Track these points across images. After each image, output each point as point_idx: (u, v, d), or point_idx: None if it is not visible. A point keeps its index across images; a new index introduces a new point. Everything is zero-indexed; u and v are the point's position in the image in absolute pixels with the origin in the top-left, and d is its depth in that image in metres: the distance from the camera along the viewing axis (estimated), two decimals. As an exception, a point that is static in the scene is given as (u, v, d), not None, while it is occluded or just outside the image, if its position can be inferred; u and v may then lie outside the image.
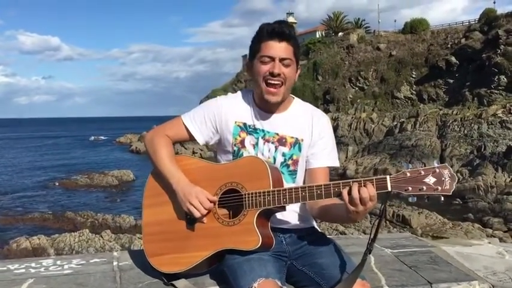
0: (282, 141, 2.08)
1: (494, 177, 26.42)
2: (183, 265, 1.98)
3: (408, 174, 1.69)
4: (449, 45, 37.88)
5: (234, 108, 2.10)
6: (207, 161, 2.08)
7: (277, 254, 2.00)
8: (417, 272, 2.29)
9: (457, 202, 22.15)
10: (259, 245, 1.86)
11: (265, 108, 2.08)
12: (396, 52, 40.06)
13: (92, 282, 2.10)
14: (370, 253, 1.82)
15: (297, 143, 2.08)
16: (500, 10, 38.20)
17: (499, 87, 32.26)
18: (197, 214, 1.92)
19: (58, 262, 2.40)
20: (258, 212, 1.88)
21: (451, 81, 35.76)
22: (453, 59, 36.15)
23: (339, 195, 1.79)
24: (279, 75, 1.97)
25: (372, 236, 1.81)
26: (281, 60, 1.98)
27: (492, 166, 27.77)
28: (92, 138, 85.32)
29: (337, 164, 2.16)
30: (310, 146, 2.10)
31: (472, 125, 31.80)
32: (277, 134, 2.08)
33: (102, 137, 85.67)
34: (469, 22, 40.02)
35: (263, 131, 2.08)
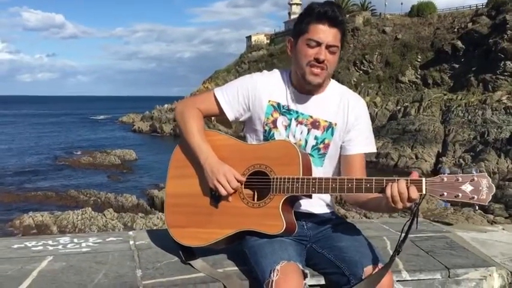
0: (315, 124, 2.03)
1: (497, 163, 26.40)
2: (203, 240, 1.97)
3: (445, 179, 1.65)
4: (455, 30, 37.52)
5: (269, 87, 2.04)
6: (237, 139, 2.04)
7: (298, 238, 1.99)
8: (434, 257, 2.29)
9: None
10: (282, 231, 1.85)
11: (301, 89, 2.03)
12: (402, 35, 39.71)
13: (111, 261, 2.10)
14: (398, 254, 1.79)
15: (330, 127, 2.04)
16: (509, -6, 37.69)
17: (505, 73, 32.02)
18: (223, 192, 1.90)
19: (75, 240, 2.40)
20: (284, 198, 1.86)
21: (457, 66, 35.51)
22: (459, 43, 35.83)
23: (368, 191, 1.77)
24: (323, 61, 1.92)
25: (402, 238, 1.77)
26: (328, 46, 1.91)
27: (495, 152, 27.72)
28: (95, 117, 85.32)
29: (374, 150, 2.12)
30: (344, 131, 2.05)
31: (476, 110, 31.66)
32: (311, 117, 2.03)
33: (105, 116, 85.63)
34: (476, 6, 39.54)
35: (297, 112, 2.03)
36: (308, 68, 1.93)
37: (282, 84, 2.06)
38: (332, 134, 2.04)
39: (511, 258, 2.31)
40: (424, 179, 1.69)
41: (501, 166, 26.01)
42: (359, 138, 2.06)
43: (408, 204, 1.73)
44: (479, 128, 30.50)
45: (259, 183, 1.91)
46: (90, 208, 19.20)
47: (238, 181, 1.91)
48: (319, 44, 1.90)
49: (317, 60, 1.90)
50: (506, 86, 31.76)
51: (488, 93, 32.30)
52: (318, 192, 1.86)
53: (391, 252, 2.33)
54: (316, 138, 2.03)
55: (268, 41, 60.62)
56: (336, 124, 2.04)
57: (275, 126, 2.02)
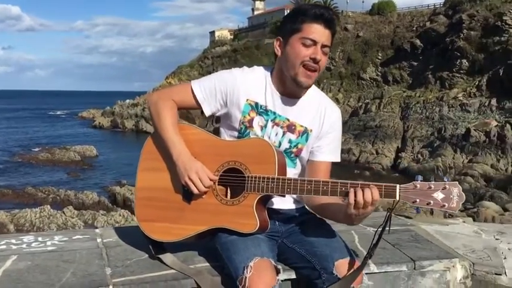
0: (291, 127, 2.01)
1: (453, 158, 27.28)
2: (174, 236, 1.95)
3: (418, 186, 1.69)
4: (414, 28, 38.47)
5: (248, 85, 2.00)
6: (211, 134, 2.01)
7: (270, 234, 1.99)
8: (400, 250, 2.35)
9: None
10: (256, 229, 1.85)
11: (282, 91, 2.00)
12: (363, 33, 40.39)
13: (79, 259, 2.06)
14: (370, 258, 1.83)
15: (305, 133, 2.03)
16: (465, -6, 38.93)
17: (461, 71, 33.08)
18: (195, 191, 1.88)
19: (39, 239, 2.34)
20: (259, 197, 1.86)
21: (415, 63, 36.43)
22: (418, 42, 36.75)
23: (345, 195, 1.77)
24: (319, 61, 1.89)
25: (375, 242, 1.81)
26: (322, 46, 1.90)
27: (451, 148, 28.63)
28: (53, 112, 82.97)
29: (338, 160, 2.12)
30: (317, 138, 2.05)
31: (434, 107, 32.59)
32: (288, 120, 2.01)
33: (64, 111, 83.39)
34: (434, 6, 40.68)
35: (274, 113, 2.00)
36: (301, 69, 1.90)
37: (262, 83, 2.02)
38: (306, 140, 2.04)
39: (472, 250, 2.40)
40: (398, 186, 1.72)
41: (457, 161, 26.90)
42: (329, 147, 2.07)
43: (366, 212, 1.75)
44: (436, 124, 31.41)
45: (233, 180, 1.90)
46: (49, 206, 18.62)
47: (211, 179, 1.90)
48: (315, 43, 1.88)
49: (314, 60, 1.88)
50: (462, 83, 32.82)
51: (445, 91, 33.30)
52: (292, 193, 1.87)
53: (359, 246, 2.39)
54: (290, 141, 2.02)
55: (232, 37, 60.44)
56: (311, 130, 2.04)
57: (251, 126, 2.00)
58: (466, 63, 32.85)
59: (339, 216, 1.88)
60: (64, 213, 18.03)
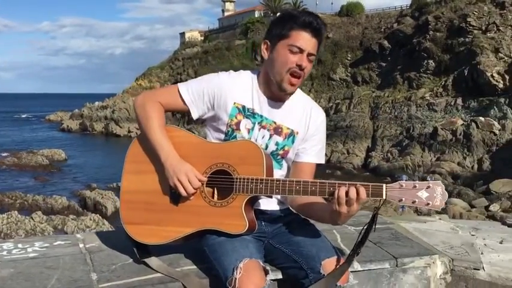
0: (277, 130, 2.04)
1: (422, 156, 27.89)
2: (161, 238, 1.94)
3: (403, 186, 1.74)
4: (382, 30, 39.15)
5: (235, 88, 2.01)
6: (198, 136, 2.02)
7: (257, 235, 2.00)
8: (382, 248, 2.40)
9: (387, 181, 23.21)
10: (245, 230, 1.86)
11: (268, 94, 2.03)
12: (333, 35, 40.85)
13: (62, 265, 2.02)
14: (357, 255, 1.87)
15: (291, 135, 2.06)
16: (431, -3, 39.85)
17: (428, 71, 33.83)
18: (184, 192, 1.88)
19: (19, 245, 2.28)
20: (247, 198, 1.87)
21: (384, 64, 37.07)
22: (386, 43, 37.41)
23: (332, 194, 1.80)
24: (304, 68, 1.93)
25: (360, 239, 1.84)
26: (308, 54, 1.93)
27: (420, 146, 29.26)
28: (19, 115, 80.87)
29: (323, 161, 2.17)
30: (303, 140, 2.08)
31: (402, 107, 33.21)
32: (275, 123, 2.03)
33: (30, 115, 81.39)
34: (401, 7, 41.48)
35: (261, 116, 2.02)
36: (287, 76, 1.93)
37: (248, 86, 2.04)
38: (293, 142, 2.07)
39: (451, 246, 2.47)
40: (384, 185, 1.76)
41: (425, 159, 27.50)
42: (313, 149, 2.11)
43: (352, 210, 1.77)
44: (405, 124, 32.03)
45: (220, 182, 1.91)
46: (16, 211, 18.13)
47: (199, 181, 1.90)
48: (301, 51, 1.91)
49: (299, 67, 1.91)
50: (428, 83, 33.57)
51: (413, 91, 33.99)
52: (281, 194, 1.88)
53: (342, 245, 2.43)
54: (277, 144, 2.05)
55: (203, 38, 60.20)
56: (297, 133, 2.07)
57: (238, 128, 2.01)
58: (433, 63, 33.62)
59: (325, 216, 1.90)
60: (32, 219, 17.60)
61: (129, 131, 50.10)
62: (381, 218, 3.02)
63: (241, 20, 54.54)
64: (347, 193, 1.74)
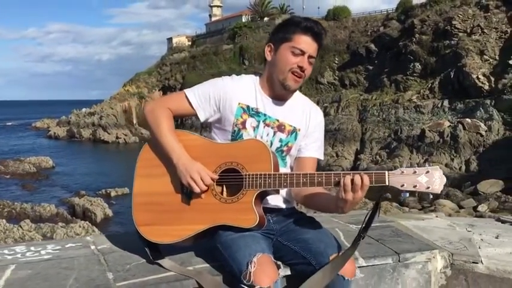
0: (281, 127, 2.15)
1: (410, 158, 28.15)
2: (175, 237, 2.01)
3: (404, 172, 1.83)
4: (369, 33, 39.51)
5: (239, 90, 2.13)
6: (207, 138, 2.11)
7: (266, 232, 2.09)
8: (384, 245, 2.48)
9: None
10: (256, 223, 1.94)
11: (270, 94, 2.15)
12: (320, 38, 41.14)
13: (78, 266, 2.08)
14: (363, 238, 1.94)
15: (294, 132, 2.17)
16: (416, 0, 40.35)
17: (414, 74, 34.20)
18: (197, 189, 1.96)
19: (32, 248, 2.33)
20: (256, 193, 1.95)
21: (371, 67, 37.39)
22: (372, 46, 37.76)
23: (338, 184, 1.88)
24: (305, 70, 2.07)
25: (364, 225, 1.93)
26: (309, 57, 2.07)
27: (408, 148, 29.55)
28: (4, 123, 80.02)
29: (322, 157, 2.28)
30: (304, 137, 2.20)
31: (390, 109, 33.52)
32: (278, 120, 2.15)
33: (16, 122, 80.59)
34: (387, 11, 41.93)
35: (265, 115, 2.13)
36: (290, 74, 2.06)
37: (251, 88, 2.16)
38: (295, 138, 2.18)
39: (449, 241, 2.56)
40: (387, 172, 1.85)
41: (413, 161, 27.74)
42: (314, 144, 2.22)
43: (357, 197, 1.85)
44: (392, 126, 32.33)
45: (229, 180, 1.99)
46: (4, 220, 17.97)
47: (211, 178, 1.98)
48: (303, 53, 2.05)
49: (301, 68, 2.05)
50: (415, 86, 33.92)
51: (400, 93, 34.32)
52: (289, 187, 1.97)
53: (345, 242, 2.50)
54: (281, 140, 2.15)
55: (190, 43, 60.20)
56: (299, 129, 2.18)
57: (244, 127, 2.11)
58: (419, 66, 33.99)
59: (330, 205, 1.98)
60: (21, 227, 17.45)
61: (117, 137, 49.88)
62: (381, 217, 3.12)
63: (228, 25, 54.67)
64: (352, 181, 1.83)
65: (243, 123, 2.12)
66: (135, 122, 52.84)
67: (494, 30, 31.67)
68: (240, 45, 47.00)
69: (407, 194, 1.88)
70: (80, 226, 18.14)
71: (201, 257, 2.16)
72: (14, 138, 56.28)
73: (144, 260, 2.12)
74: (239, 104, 2.12)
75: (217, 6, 67.40)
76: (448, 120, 29.65)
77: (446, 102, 31.16)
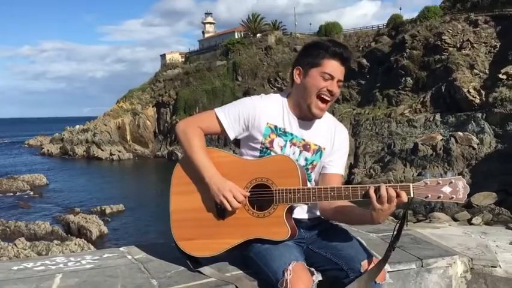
0: (306, 147, 2.24)
1: (403, 172, 28.40)
2: (214, 250, 2.12)
3: (428, 183, 1.93)
4: (360, 48, 40.02)
5: (267, 110, 2.22)
6: (237, 156, 2.23)
7: (297, 241, 2.19)
8: (406, 251, 2.60)
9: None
10: (288, 236, 2.05)
11: (297, 114, 2.24)
12: (312, 54, 41.57)
13: (121, 274, 2.17)
14: (394, 250, 2.03)
15: (319, 151, 2.27)
16: (406, 16, 41.04)
17: (406, 88, 34.64)
18: (229, 208, 2.06)
19: (72, 259, 2.42)
20: (287, 207, 2.06)
21: (363, 82, 37.81)
22: (364, 61, 38.25)
23: (365, 197, 1.98)
24: (335, 93, 2.16)
25: (395, 235, 2.02)
26: (338, 81, 2.17)
27: (401, 162, 29.80)
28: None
29: (343, 173, 2.39)
30: (329, 155, 2.29)
31: (383, 123, 33.84)
32: (304, 140, 2.24)
33: (10, 140, 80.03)
34: (378, 26, 42.53)
35: (292, 134, 2.23)
36: (315, 100, 2.15)
37: (279, 108, 2.25)
38: (320, 157, 2.27)
39: (468, 247, 2.69)
40: (411, 184, 1.95)
41: (407, 174, 28.01)
42: (339, 161, 2.32)
43: (391, 207, 1.96)
44: (386, 140, 32.61)
45: (262, 195, 2.09)
46: (-2, 238, 17.91)
47: (243, 196, 2.09)
48: (332, 78, 2.14)
49: (330, 92, 2.14)
50: (407, 100, 34.33)
51: (392, 108, 34.69)
52: (318, 200, 2.06)
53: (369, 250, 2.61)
54: (306, 159, 2.25)
55: (183, 60, 60.52)
56: (324, 149, 2.27)
57: (272, 146, 2.21)
58: (411, 80, 34.44)
59: (366, 216, 2.06)
60: (16, 245, 17.34)
61: (111, 154, 49.76)
62: (397, 225, 3.24)
63: (221, 41, 55.11)
64: (385, 190, 1.92)
65: (271, 142, 2.22)
66: (128, 138, 52.74)
67: (483, 44, 32.26)
68: (233, 61, 47.36)
69: (433, 204, 1.99)
70: (75, 244, 18.05)
71: (234, 265, 2.25)
72: (8, 156, 55.93)
73: (183, 268, 2.22)
74: (267, 124, 2.22)
75: (210, 23, 67.97)
76: (441, 134, 30.00)
77: (438, 116, 31.53)
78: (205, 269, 2.19)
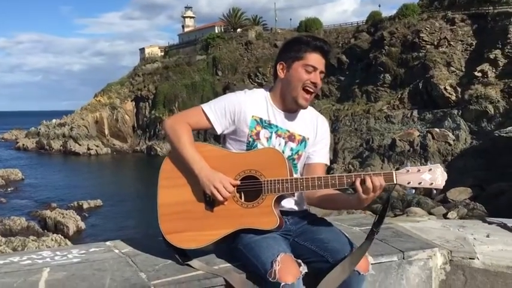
0: (291, 137, 2.33)
1: (381, 167, 28.77)
2: (201, 242, 2.15)
3: (409, 170, 2.05)
4: (340, 45, 40.33)
5: (252, 104, 2.30)
6: (225, 149, 2.28)
7: (284, 233, 2.24)
8: (388, 244, 2.67)
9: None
10: (277, 225, 2.10)
11: (281, 107, 2.32)
12: (292, 50, 41.73)
13: (110, 267, 2.18)
14: (377, 233, 2.14)
15: (303, 141, 2.35)
16: (385, 13, 41.46)
17: (384, 85, 35.09)
18: (220, 198, 2.11)
19: (58, 253, 2.41)
20: (275, 197, 2.11)
21: (343, 78, 38.15)
22: (344, 57, 38.58)
23: (351, 185, 2.08)
24: (318, 85, 2.26)
25: (377, 219, 2.14)
26: (320, 72, 2.26)
27: (379, 157, 30.21)
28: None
29: (328, 163, 2.49)
30: (312, 145, 2.38)
31: (361, 119, 34.23)
32: (288, 131, 2.32)
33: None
34: (357, 23, 42.88)
35: (276, 126, 2.31)
36: (301, 92, 2.24)
37: (263, 101, 2.33)
38: (305, 147, 2.36)
39: (447, 240, 2.77)
40: (394, 172, 2.07)
41: (385, 170, 28.33)
42: (322, 151, 2.42)
43: (375, 195, 2.07)
44: (364, 136, 33.00)
45: (250, 186, 2.14)
46: (-28, 234, 17.58)
47: (233, 186, 2.13)
48: (315, 69, 2.24)
49: (314, 84, 2.24)
50: (386, 96, 34.78)
51: (371, 104, 35.10)
52: (305, 190, 2.14)
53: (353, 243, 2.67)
54: (291, 149, 2.33)
55: (163, 54, 60.05)
56: (308, 138, 2.36)
57: (258, 138, 2.28)
58: (389, 77, 34.89)
59: (352, 202, 2.20)
60: (-10, 241, 17.04)
61: (88, 149, 49.17)
62: (379, 219, 3.31)
63: (201, 35, 54.88)
64: (370, 181, 2.02)
65: (257, 134, 2.29)
66: (107, 133, 52.15)
67: (460, 42, 32.84)
68: (213, 55, 47.24)
69: (413, 191, 2.10)
70: (52, 239, 17.85)
71: (222, 258, 2.29)
72: (-19, 150, 54.71)
73: (171, 261, 2.24)
74: (253, 116, 2.29)
75: (190, 17, 67.57)
76: (418, 130, 30.48)
77: (415, 112, 32.02)
78: (194, 262, 2.21)
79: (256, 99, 2.33)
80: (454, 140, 28.34)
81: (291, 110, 2.33)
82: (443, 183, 2.04)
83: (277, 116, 2.32)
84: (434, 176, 2.02)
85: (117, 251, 2.47)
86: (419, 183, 2.03)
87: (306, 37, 2.33)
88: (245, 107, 2.28)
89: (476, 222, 3.37)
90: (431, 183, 2.03)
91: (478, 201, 21.34)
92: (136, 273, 2.11)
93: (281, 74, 2.30)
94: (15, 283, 1.98)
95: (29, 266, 2.20)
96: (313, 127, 2.39)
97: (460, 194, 22.73)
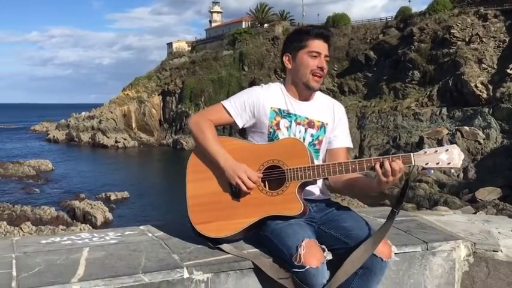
0: (310, 124, 2.44)
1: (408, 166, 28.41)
2: (229, 230, 2.26)
3: (427, 152, 2.11)
4: (368, 40, 39.95)
5: (270, 96, 2.42)
6: (248, 142, 2.40)
7: (308, 220, 2.34)
8: (412, 235, 2.72)
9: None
10: (301, 211, 2.19)
11: (296, 97, 2.44)
12: (319, 45, 41.54)
13: (145, 249, 2.30)
14: (397, 214, 2.21)
15: (322, 126, 2.46)
16: (415, 9, 40.83)
17: (413, 82, 34.58)
18: (244, 188, 2.21)
19: (95, 235, 2.56)
20: (299, 184, 2.21)
21: (370, 74, 37.77)
22: (372, 53, 38.17)
23: (371, 169, 2.16)
24: (325, 69, 2.38)
25: (399, 197, 2.22)
26: (325, 56, 2.38)
27: (406, 155, 29.75)
28: (4, 125, 79.97)
29: (351, 145, 2.59)
30: (332, 129, 2.49)
31: (388, 116, 33.85)
32: (307, 118, 2.43)
33: (16, 125, 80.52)
34: (386, 19, 42.36)
35: (295, 115, 2.42)
36: (311, 76, 2.37)
37: (280, 93, 2.45)
38: (324, 132, 2.47)
39: (471, 233, 2.81)
40: (412, 154, 2.14)
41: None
42: (342, 135, 2.53)
43: (396, 178, 2.15)
44: (391, 133, 32.64)
45: (272, 175, 2.25)
46: (5, 222, 18.15)
47: (257, 176, 2.24)
48: (319, 55, 2.36)
49: (321, 68, 2.36)
50: (414, 93, 34.29)
51: (399, 101, 34.65)
52: (327, 176, 2.24)
53: (377, 232, 2.74)
54: (312, 136, 2.44)
55: (190, 48, 60.53)
56: (327, 124, 2.47)
57: (279, 128, 2.40)
58: (418, 74, 34.35)
59: (372, 187, 2.28)
60: (22, 229, 17.62)
61: (116, 141, 50.04)
62: (404, 212, 3.37)
63: (228, 30, 55.12)
64: (388, 165, 2.10)
65: (277, 124, 2.40)
66: (134, 126, 52.95)
67: (492, 39, 32.11)
68: (240, 50, 47.38)
69: (432, 171, 2.15)
70: (80, 229, 18.28)
71: (250, 244, 2.39)
72: (14, 141, 56.36)
73: (201, 246, 2.35)
74: (271, 108, 2.41)
75: (218, 12, 67.90)
76: (447, 128, 29.99)
77: (444, 110, 31.49)
78: (224, 246, 2.32)
79: (273, 91, 2.45)
80: (484, 139, 27.79)
81: (306, 98, 2.45)
82: (461, 162, 2.10)
83: (294, 105, 2.43)
84: (452, 156, 2.08)
85: (150, 234, 2.60)
86: (437, 164, 2.09)
87: (306, 27, 2.47)
88: (263, 99, 2.41)
89: (502, 218, 3.39)
90: (449, 163, 2.08)
91: (507, 202, 20.95)
92: (169, 255, 2.23)
93: (288, 65, 2.43)
94: (58, 260, 2.12)
95: (69, 246, 2.35)
96: (330, 112, 2.50)
97: (489, 193, 22.34)
